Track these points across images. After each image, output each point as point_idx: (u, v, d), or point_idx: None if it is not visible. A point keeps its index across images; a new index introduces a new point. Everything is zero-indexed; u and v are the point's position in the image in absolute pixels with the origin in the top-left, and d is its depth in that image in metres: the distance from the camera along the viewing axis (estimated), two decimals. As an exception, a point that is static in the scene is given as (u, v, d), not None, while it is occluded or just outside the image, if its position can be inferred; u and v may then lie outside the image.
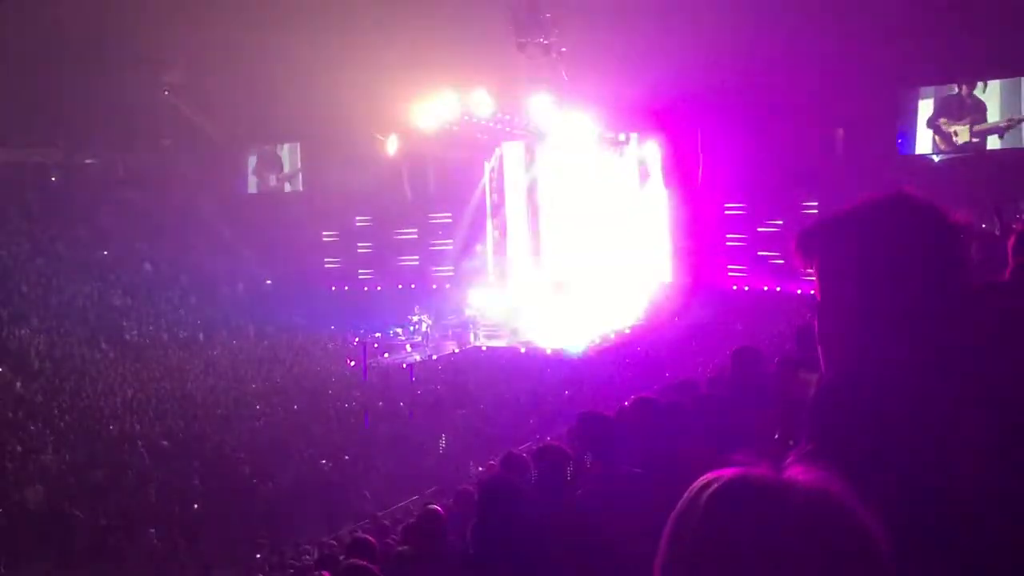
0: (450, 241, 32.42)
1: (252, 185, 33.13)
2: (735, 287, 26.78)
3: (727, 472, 1.02)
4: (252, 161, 33.31)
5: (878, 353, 1.39)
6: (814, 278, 1.50)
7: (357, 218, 32.57)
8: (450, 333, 28.81)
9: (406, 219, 32.70)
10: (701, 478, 1.04)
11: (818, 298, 1.50)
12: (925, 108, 26.00)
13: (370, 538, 5.83)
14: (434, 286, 31.51)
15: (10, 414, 18.15)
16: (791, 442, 1.73)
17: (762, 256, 26.38)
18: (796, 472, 1.01)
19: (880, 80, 24.10)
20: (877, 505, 0.98)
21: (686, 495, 1.04)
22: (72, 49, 24.17)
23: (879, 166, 23.12)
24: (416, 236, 32.88)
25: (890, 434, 1.30)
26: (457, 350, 26.82)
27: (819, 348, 1.51)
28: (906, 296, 1.38)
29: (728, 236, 27.48)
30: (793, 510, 0.96)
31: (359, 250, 32.72)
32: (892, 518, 0.99)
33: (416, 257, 32.77)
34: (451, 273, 32.15)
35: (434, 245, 32.64)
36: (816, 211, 24.91)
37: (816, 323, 1.52)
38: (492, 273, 31.58)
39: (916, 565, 1.13)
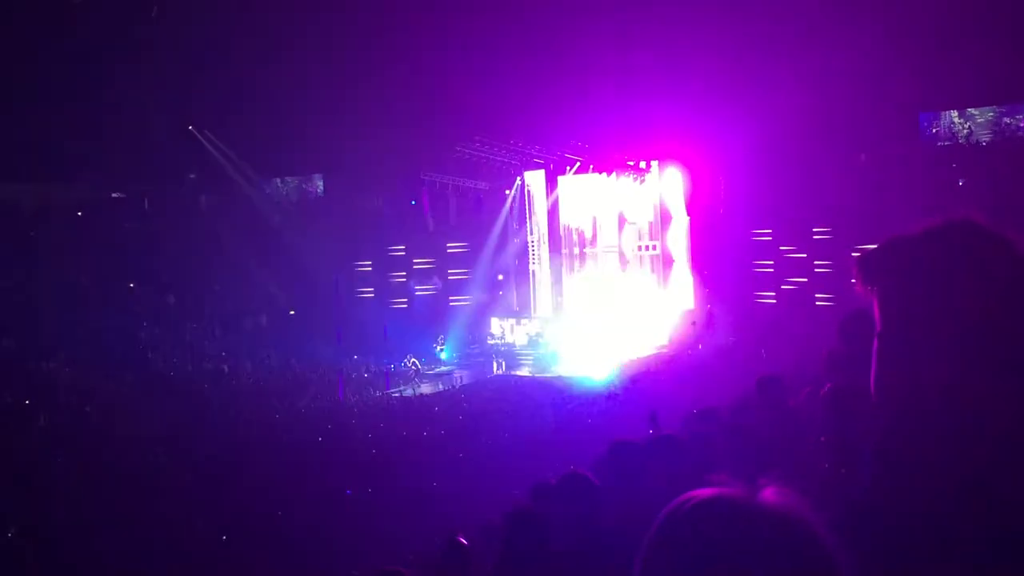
0: (466, 270, 32.43)
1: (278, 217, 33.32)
2: (759, 312, 26.54)
3: (703, 492, 1.08)
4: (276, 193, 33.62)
5: (946, 389, 1.34)
6: (875, 303, 1.47)
7: (389, 248, 32.73)
8: (472, 362, 28.83)
9: (426, 248, 32.82)
10: (679, 497, 1.09)
11: (878, 326, 1.47)
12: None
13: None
14: (457, 316, 31.52)
15: (35, 449, 18.29)
16: (843, 472, 1.72)
17: (786, 282, 26.22)
18: (768, 494, 1.06)
19: (904, 103, 23.84)
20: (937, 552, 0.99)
21: (664, 512, 1.09)
22: (96, 85, 24.47)
23: (902, 188, 22.77)
24: (435, 266, 32.98)
25: (957, 483, 1.26)
26: (478, 379, 26.79)
27: (874, 374, 1.48)
28: (976, 327, 1.33)
29: (755, 262, 27.17)
30: (761, 529, 1.01)
31: (389, 279, 32.91)
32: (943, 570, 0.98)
33: (432, 287, 32.86)
34: (471, 303, 32.17)
35: (453, 274, 32.69)
36: (829, 237, 24.77)
37: (875, 349, 1.47)
38: (513, 302, 31.61)
39: None
